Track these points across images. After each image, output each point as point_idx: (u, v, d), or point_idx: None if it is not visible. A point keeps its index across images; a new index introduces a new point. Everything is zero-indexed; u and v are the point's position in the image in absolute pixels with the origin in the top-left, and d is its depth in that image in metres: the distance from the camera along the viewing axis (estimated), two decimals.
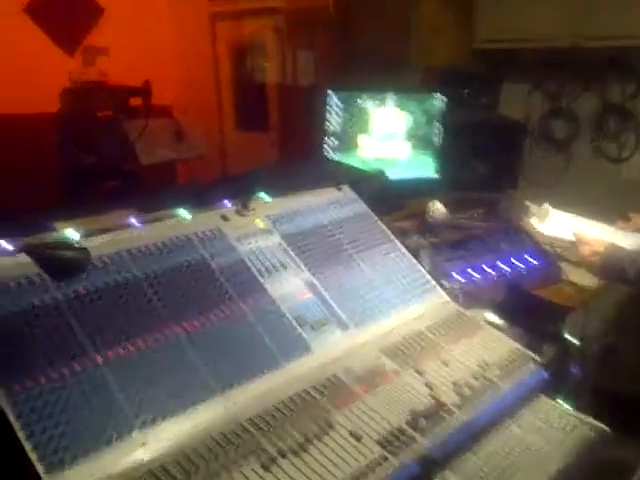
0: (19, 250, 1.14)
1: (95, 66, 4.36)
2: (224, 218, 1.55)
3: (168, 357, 1.22)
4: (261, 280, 1.47)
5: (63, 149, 3.74)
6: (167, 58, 5.53)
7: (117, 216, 1.38)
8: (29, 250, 1.00)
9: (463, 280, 2.02)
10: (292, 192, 1.70)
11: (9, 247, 1.15)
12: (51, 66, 4.52)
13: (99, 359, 1.14)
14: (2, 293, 1.11)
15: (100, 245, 1.31)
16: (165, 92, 5.47)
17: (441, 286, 1.70)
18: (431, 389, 1.35)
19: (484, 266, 2.13)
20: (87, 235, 1.30)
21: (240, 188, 1.64)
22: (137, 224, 1.39)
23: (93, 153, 3.62)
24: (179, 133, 3.88)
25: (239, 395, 1.23)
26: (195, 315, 1.31)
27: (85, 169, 3.58)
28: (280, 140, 5.20)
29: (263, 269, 1.50)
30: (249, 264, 1.49)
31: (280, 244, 1.57)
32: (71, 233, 1.28)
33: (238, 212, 1.59)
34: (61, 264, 0.98)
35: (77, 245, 1.10)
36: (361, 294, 1.55)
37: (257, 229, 1.58)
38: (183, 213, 1.49)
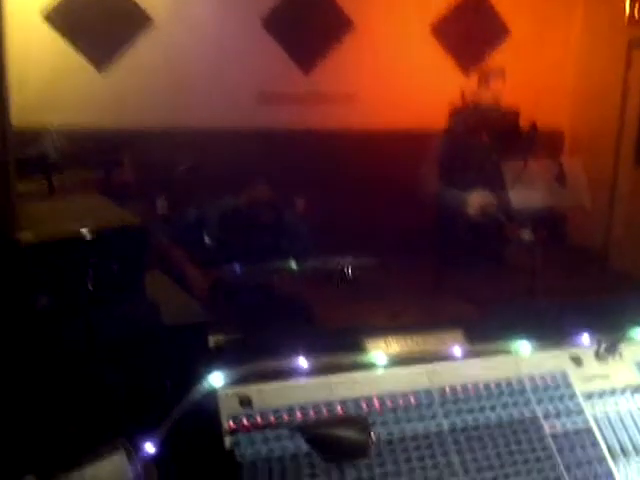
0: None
1: (489, 88, 4.18)
2: (575, 361, 1.19)
3: None
4: (610, 464, 1.07)
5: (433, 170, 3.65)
6: (564, 84, 5.06)
7: (440, 340, 1.15)
8: (300, 427, 0.83)
9: None
10: None
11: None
12: (442, 84, 4.51)
13: None
14: None
15: (407, 375, 1.10)
16: (557, 117, 5.01)
17: None
18: None
19: None
20: (397, 362, 1.10)
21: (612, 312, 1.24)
22: (457, 354, 1.14)
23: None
24: (560, 177, 3.45)
25: None
26: None
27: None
28: None
29: (617, 448, 1.09)
30: (598, 437, 1.10)
31: None
32: (378, 357, 1.10)
33: (598, 355, 1.20)
34: (338, 448, 0.79)
35: (356, 418, 0.90)
36: None
37: (622, 386, 1.17)
38: (519, 347, 1.18)
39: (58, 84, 3.98)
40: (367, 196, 4.31)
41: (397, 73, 4.77)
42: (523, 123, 3.63)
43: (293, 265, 2.65)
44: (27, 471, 0.83)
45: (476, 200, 3.24)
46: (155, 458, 0.93)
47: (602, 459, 1.09)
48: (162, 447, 0.94)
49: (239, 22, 4.34)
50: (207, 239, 2.58)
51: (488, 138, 3.68)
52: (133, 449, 0.91)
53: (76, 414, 0.89)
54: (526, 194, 3.26)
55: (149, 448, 0.94)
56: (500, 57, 4.89)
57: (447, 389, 1.09)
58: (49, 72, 3.97)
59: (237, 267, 2.50)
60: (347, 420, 0.84)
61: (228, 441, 0.94)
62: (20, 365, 0.85)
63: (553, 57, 4.98)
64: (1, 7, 1.27)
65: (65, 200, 1.10)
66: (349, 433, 0.79)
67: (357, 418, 0.87)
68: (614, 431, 1.11)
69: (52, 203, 1.05)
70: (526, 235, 2.96)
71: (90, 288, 0.87)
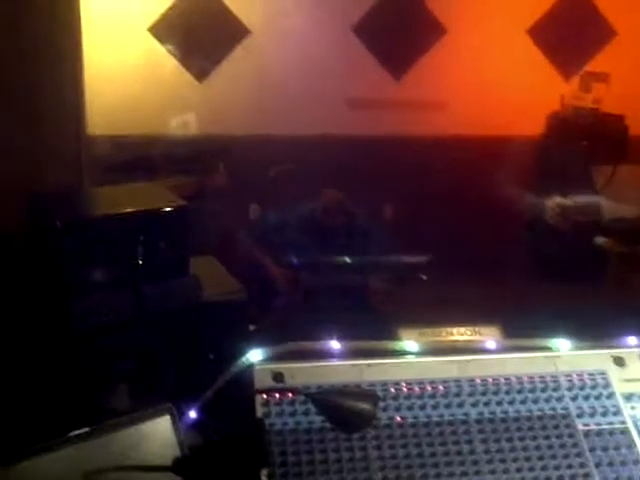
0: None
1: (591, 93, 4.05)
2: (617, 361, 1.17)
3: None
4: None
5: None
6: None
7: (476, 333, 1.18)
8: (314, 397, 0.90)
9: None
10: None
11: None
12: (539, 88, 4.41)
13: None
14: None
15: (438, 365, 1.13)
16: None
17: None
18: None
19: None
20: (428, 352, 1.14)
21: None
22: (492, 348, 1.16)
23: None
24: None
25: None
26: None
27: None
28: None
29: None
30: (635, 439, 1.09)
31: None
32: (410, 346, 1.14)
33: None
34: (346, 416, 0.85)
35: (366, 391, 0.95)
36: None
37: None
38: (559, 344, 1.18)
39: (160, 93, 4.27)
40: (455, 203, 4.29)
41: (491, 78, 4.70)
42: (625, 128, 3.51)
43: (371, 267, 2.71)
44: (81, 426, 0.95)
45: (563, 206, 3.17)
46: (197, 424, 1.03)
47: (638, 462, 1.08)
48: (203, 414, 1.04)
49: (330, 29, 4.45)
50: (287, 241, 2.71)
51: (587, 143, 3.58)
52: (178, 413, 1.01)
53: (125, 378, 1.01)
54: (615, 201, 3.16)
55: (192, 414, 1.05)
56: (604, 59, 4.72)
57: (477, 380, 1.12)
58: (153, 83, 4.26)
59: (318, 269, 2.60)
60: (358, 393, 0.90)
61: (260, 411, 1.02)
62: (74, 331, 0.97)
63: None
64: (77, 9, 1.43)
65: (127, 187, 1.23)
66: (356, 404, 0.85)
67: (367, 392, 0.93)
68: None
69: (116, 188, 1.18)
70: (610, 244, 2.86)
71: (140, 262, 0.98)
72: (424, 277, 2.70)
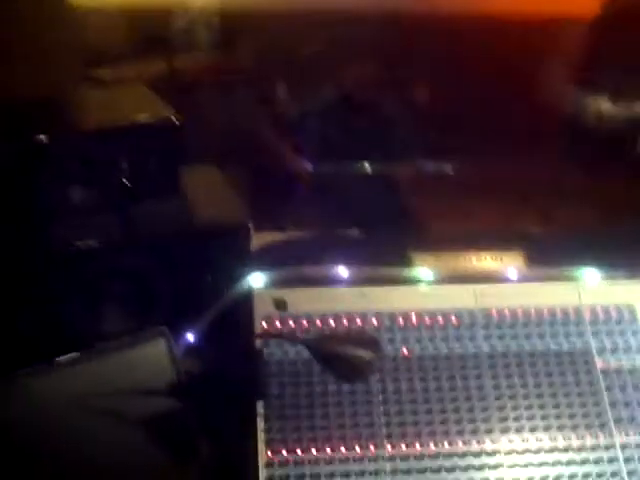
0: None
1: None
2: None
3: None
4: None
5: None
6: None
7: (496, 260, 1.09)
8: (309, 343, 0.84)
9: None
10: None
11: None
12: None
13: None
14: None
15: (452, 294, 1.06)
16: None
17: None
18: None
19: None
20: (443, 279, 1.06)
21: None
22: (513, 277, 1.07)
23: None
24: None
25: None
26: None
27: None
28: None
29: None
30: None
31: None
32: (424, 273, 1.06)
33: None
34: (344, 365, 0.79)
35: (367, 337, 0.88)
36: None
37: None
38: (586, 274, 1.09)
39: None
40: (491, 89, 4.04)
41: None
42: None
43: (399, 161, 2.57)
44: (73, 349, 0.92)
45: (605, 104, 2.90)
46: (193, 349, 0.99)
47: None
48: (200, 339, 1.00)
49: None
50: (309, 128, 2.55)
51: None
52: (173, 337, 0.97)
53: (119, 304, 0.96)
54: None
55: (189, 338, 1.01)
56: None
57: (494, 311, 1.05)
58: None
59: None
60: (357, 339, 0.83)
61: (259, 341, 0.97)
62: (56, 258, 0.91)
63: None
64: None
65: (109, 91, 1.11)
66: (355, 351, 0.79)
67: (368, 338, 0.87)
68: None
69: (97, 94, 1.07)
70: None
71: (125, 182, 0.90)
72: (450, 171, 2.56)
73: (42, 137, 0.92)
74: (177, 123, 0.94)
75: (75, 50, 1.17)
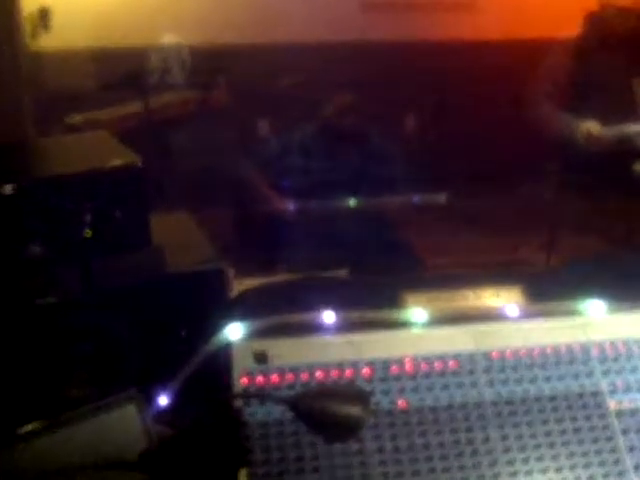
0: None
1: None
2: None
3: None
4: None
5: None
6: None
7: (495, 296, 1.01)
8: (292, 403, 0.75)
9: None
10: None
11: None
12: None
13: None
14: None
15: (450, 336, 0.98)
16: None
17: None
18: None
19: None
20: (438, 321, 0.98)
21: None
22: (513, 315, 1.00)
23: None
24: None
25: None
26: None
27: None
28: None
29: None
30: None
31: None
32: (417, 315, 0.98)
33: None
34: (330, 424, 0.70)
35: (355, 390, 0.79)
36: None
37: None
38: (590, 307, 1.01)
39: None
40: (476, 113, 4.00)
41: None
42: None
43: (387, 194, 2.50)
44: (36, 418, 0.83)
45: (594, 126, 2.84)
46: (166, 412, 0.90)
47: None
48: (174, 401, 0.91)
49: None
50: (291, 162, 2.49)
51: (626, 48, 3.21)
52: (145, 401, 0.88)
53: (84, 366, 0.87)
54: None
55: (162, 401, 0.92)
56: None
57: (494, 354, 0.97)
58: None
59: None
60: (344, 393, 0.75)
61: (238, 400, 0.88)
62: (16, 316, 0.83)
63: None
64: None
65: (73, 138, 1.04)
66: (343, 408, 0.70)
67: (356, 391, 0.78)
68: None
69: (59, 140, 1.00)
70: None
71: (88, 234, 0.82)
72: (442, 199, 2.50)
73: (7, 187, 0.85)
74: (142, 167, 0.87)
75: (38, 96, 1.10)
